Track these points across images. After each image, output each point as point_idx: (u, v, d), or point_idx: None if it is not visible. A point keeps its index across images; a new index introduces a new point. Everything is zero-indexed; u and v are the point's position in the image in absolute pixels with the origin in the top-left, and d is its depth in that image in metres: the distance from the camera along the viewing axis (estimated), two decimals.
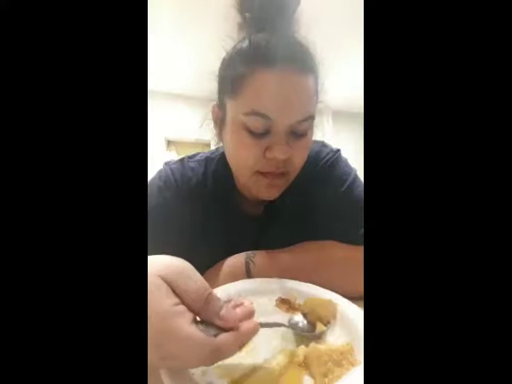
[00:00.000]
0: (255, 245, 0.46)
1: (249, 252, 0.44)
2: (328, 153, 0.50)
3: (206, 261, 0.46)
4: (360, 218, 0.41)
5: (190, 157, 0.53)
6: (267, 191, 0.42)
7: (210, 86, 0.43)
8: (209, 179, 0.49)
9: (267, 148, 0.38)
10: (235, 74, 0.37)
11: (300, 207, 0.48)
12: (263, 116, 0.36)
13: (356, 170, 0.49)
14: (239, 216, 0.49)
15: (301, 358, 0.25)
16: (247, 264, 0.42)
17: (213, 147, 0.56)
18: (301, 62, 0.37)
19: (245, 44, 0.38)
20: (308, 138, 0.41)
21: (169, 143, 3.41)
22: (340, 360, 0.24)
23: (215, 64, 0.42)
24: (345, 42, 2.16)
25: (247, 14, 0.39)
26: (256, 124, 0.37)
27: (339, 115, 3.48)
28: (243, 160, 0.40)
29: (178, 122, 3.22)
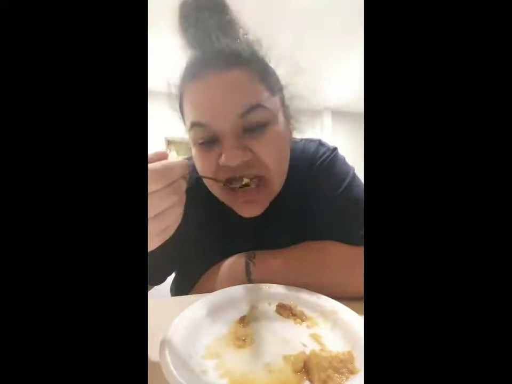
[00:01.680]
0: (254, 247, 0.45)
1: (249, 252, 0.44)
2: (325, 152, 0.49)
3: (205, 264, 0.46)
4: (360, 217, 0.41)
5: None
6: (247, 208, 0.40)
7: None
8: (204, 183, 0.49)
9: (219, 156, 0.36)
10: (179, 100, 0.40)
11: (298, 207, 0.48)
12: (199, 124, 0.36)
13: (354, 169, 0.48)
14: (237, 218, 0.49)
15: (301, 363, 0.25)
16: (247, 265, 0.42)
17: None
18: (222, 62, 0.35)
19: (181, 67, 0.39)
20: (272, 131, 0.37)
21: (169, 143, 3.41)
22: (339, 367, 0.24)
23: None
24: (345, 43, 2.16)
25: (185, 33, 0.40)
26: (197, 135, 0.37)
27: (339, 115, 3.48)
28: (204, 174, 0.40)
29: (178, 122, 3.21)
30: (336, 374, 0.23)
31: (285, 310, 0.34)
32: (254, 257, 0.43)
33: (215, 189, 0.42)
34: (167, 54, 2.43)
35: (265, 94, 0.37)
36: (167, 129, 3.22)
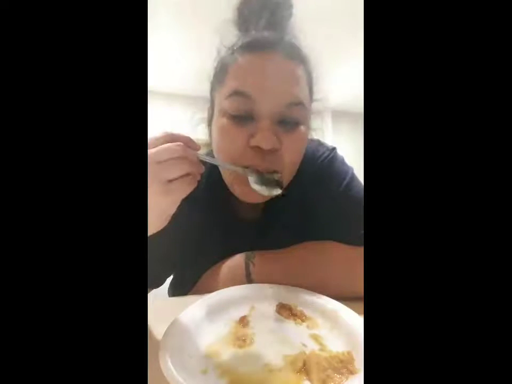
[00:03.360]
0: (254, 246, 0.45)
1: (249, 253, 0.44)
2: (324, 152, 0.49)
3: (205, 265, 0.46)
4: (359, 217, 0.41)
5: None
6: (252, 194, 0.38)
7: (205, 86, 0.43)
8: (204, 182, 0.48)
9: (251, 136, 0.35)
10: (221, 65, 0.38)
11: (297, 207, 0.48)
12: (243, 94, 0.34)
13: (352, 169, 0.48)
14: (236, 219, 0.49)
15: (300, 363, 0.25)
16: (246, 265, 0.42)
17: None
18: (287, 49, 0.36)
19: (234, 38, 0.38)
20: (301, 132, 0.38)
21: None
22: (339, 367, 0.24)
23: (210, 64, 0.43)
24: (345, 42, 2.16)
25: (242, 18, 0.40)
26: (236, 104, 0.35)
27: (339, 115, 3.48)
28: (226, 151, 0.38)
29: (178, 122, 3.21)
30: (336, 374, 0.23)
31: (285, 310, 0.34)
32: (253, 258, 0.43)
33: (228, 173, 0.40)
34: (167, 54, 2.44)
35: (308, 97, 0.38)
36: (167, 129, 3.22)
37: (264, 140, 0.34)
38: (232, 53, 0.38)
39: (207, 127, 0.45)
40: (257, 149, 0.35)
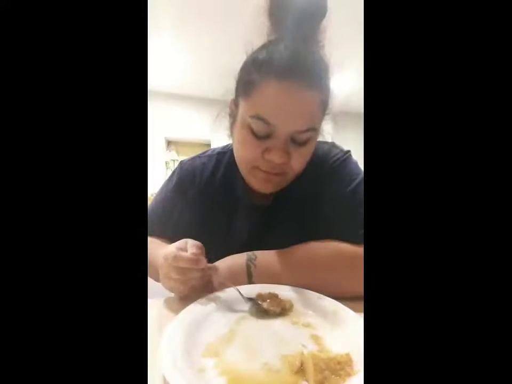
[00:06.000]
0: (261, 234, 0.49)
1: (250, 253, 0.44)
2: (337, 154, 0.51)
3: (215, 249, 0.47)
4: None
5: (202, 153, 0.58)
6: (263, 185, 0.46)
7: (229, 84, 0.47)
8: (220, 171, 0.54)
9: (266, 149, 0.41)
10: (249, 79, 0.41)
11: (306, 200, 0.50)
12: (265, 121, 0.39)
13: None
14: (246, 207, 0.52)
15: (298, 364, 0.25)
16: (248, 266, 0.42)
17: (212, 147, 0.60)
18: (311, 78, 0.38)
19: (263, 53, 0.41)
20: (309, 147, 0.43)
21: (169, 143, 3.41)
22: (337, 369, 0.23)
23: (231, 64, 0.45)
24: (345, 42, 2.16)
25: (274, 19, 0.41)
26: (259, 127, 0.40)
27: (339, 115, 3.48)
28: (243, 155, 0.45)
29: (178, 122, 3.22)
30: (333, 376, 0.23)
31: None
32: (255, 259, 0.43)
33: (242, 166, 0.47)
34: (167, 54, 2.44)
35: (321, 119, 0.43)
36: (167, 129, 3.23)
37: (277, 157, 0.40)
38: (261, 70, 0.39)
39: (229, 120, 0.49)
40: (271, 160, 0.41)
